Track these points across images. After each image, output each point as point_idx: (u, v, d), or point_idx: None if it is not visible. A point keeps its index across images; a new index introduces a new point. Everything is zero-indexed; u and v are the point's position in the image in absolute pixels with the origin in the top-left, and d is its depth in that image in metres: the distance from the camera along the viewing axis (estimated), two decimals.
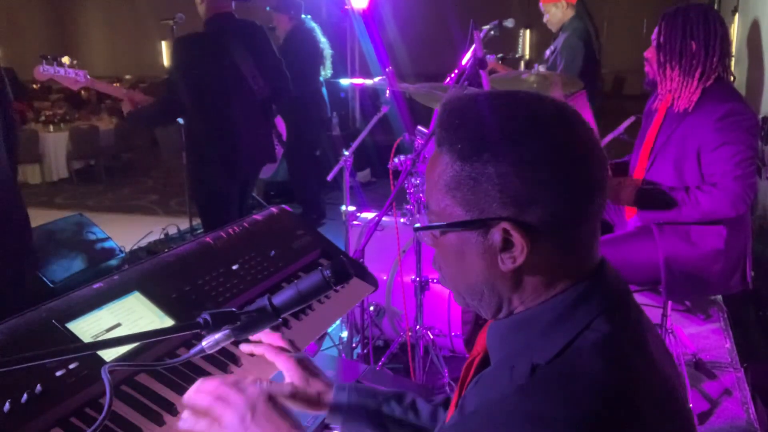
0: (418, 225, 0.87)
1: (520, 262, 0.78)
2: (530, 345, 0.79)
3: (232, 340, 0.98)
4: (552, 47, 3.70)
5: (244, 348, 1.18)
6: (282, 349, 1.16)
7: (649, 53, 2.46)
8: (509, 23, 3.25)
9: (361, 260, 2.46)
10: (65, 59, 3.21)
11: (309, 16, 5.35)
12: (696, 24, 2.30)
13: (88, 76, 3.28)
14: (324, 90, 5.44)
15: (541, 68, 3.35)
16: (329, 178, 3.16)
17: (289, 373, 1.13)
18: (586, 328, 0.77)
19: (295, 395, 1.10)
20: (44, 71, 3.16)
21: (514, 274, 0.80)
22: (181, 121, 3.80)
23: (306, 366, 1.14)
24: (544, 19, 4.38)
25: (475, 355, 0.93)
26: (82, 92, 10.32)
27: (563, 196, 0.76)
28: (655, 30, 2.41)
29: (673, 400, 0.78)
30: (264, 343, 1.18)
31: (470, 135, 0.78)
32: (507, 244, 0.78)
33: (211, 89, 3.27)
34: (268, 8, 5.34)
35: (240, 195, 3.59)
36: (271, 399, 0.98)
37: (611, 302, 0.80)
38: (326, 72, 5.38)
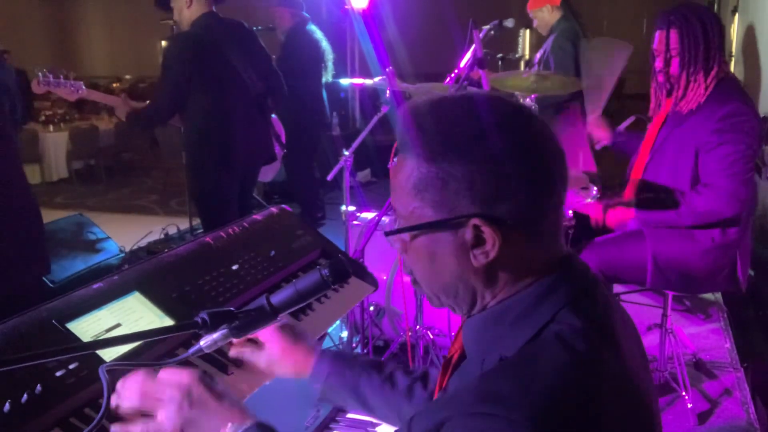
0: (387, 230, 0.87)
1: (492, 257, 0.80)
2: (500, 339, 0.82)
3: (231, 339, 0.98)
4: (541, 50, 3.72)
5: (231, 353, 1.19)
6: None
7: (661, 63, 2.40)
8: (509, 23, 3.25)
9: (361, 260, 2.46)
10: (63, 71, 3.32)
11: (309, 17, 5.33)
12: (712, 25, 2.31)
13: (84, 88, 3.35)
14: (324, 93, 5.41)
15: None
16: (329, 178, 3.16)
17: (270, 343, 1.16)
18: (551, 321, 0.79)
19: (273, 364, 1.15)
20: (42, 84, 3.24)
21: (487, 269, 0.82)
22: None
23: (289, 331, 1.17)
24: (534, 25, 4.44)
25: (453, 352, 0.95)
26: None
27: (528, 189, 0.79)
28: (656, 36, 2.38)
29: (636, 393, 0.79)
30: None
31: (434, 137, 0.80)
32: (478, 240, 0.80)
33: (204, 86, 3.28)
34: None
35: (240, 193, 3.59)
36: (203, 380, 0.96)
37: (577, 293, 0.82)
38: (328, 76, 5.34)
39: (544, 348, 0.77)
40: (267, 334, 1.16)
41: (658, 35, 2.38)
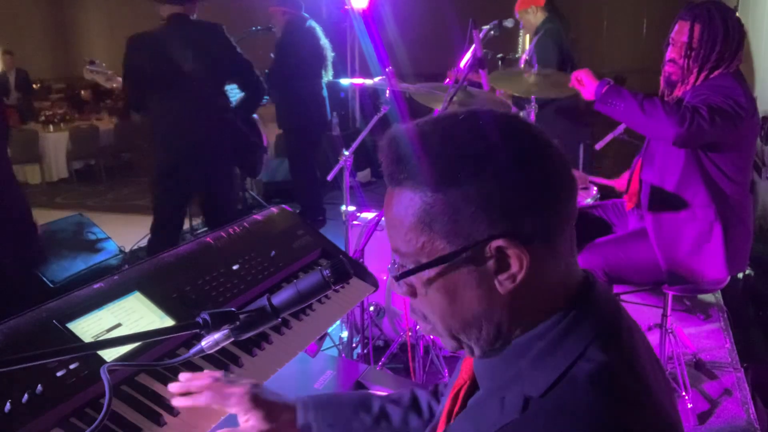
0: (395, 274, 0.78)
1: (520, 279, 0.74)
2: (521, 375, 0.75)
3: (232, 340, 0.98)
4: (527, 52, 3.74)
5: (180, 403, 1.10)
6: (221, 384, 1.10)
7: (674, 53, 2.38)
8: (509, 23, 3.25)
9: (361, 260, 2.46)
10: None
11: (308, 16, 5.31)
12: (734, 30, 2.29)
13: (119, 79, 3.77)
14: (325, 92, 5.39)
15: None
16: (329, 178, 3.16)
17: (249, 415, 1.07)
18: (579, 358, 0.73)
19: None
20: (91, 70, 3.87)
21: (513, 296, 0.75)
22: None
23: (262, 398, 1.09)
24: (521, 26, 4.46)
25: (462, 383, 0.89)
26: (82, 92, 10.33)
27: (545, 199, 0.73)
28: (676, 26, 2.36)
29: (668, 425, 0.76)
30: (204, 389, 1.10)
31: (437, 161, 0.73)
32: (502, 265, 0.73)
33: (153, 85, 3.35)
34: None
35: (213, 197, 3.58)
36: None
37: (603, 326, 0.76)
38: (328, 76, 5.32)
39: (576, 391, 0.71)
40: (241, 405, 1.08)
41: (679, 25, 2.35)
